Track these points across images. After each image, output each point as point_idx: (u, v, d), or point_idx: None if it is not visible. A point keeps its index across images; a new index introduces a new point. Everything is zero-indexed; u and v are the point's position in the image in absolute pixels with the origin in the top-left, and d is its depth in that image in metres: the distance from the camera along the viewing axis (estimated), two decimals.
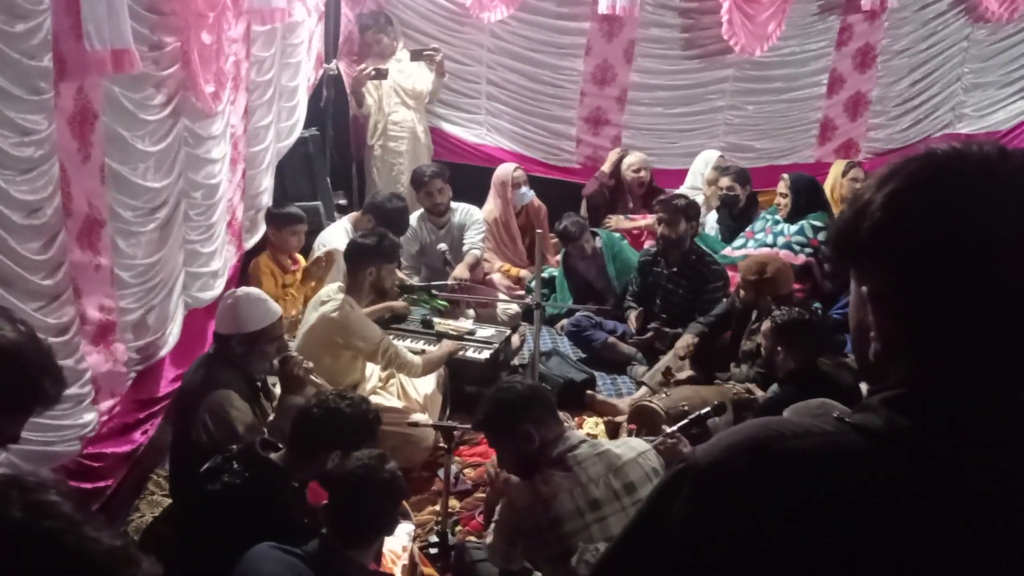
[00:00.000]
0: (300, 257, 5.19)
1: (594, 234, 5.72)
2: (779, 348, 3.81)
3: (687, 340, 4.65)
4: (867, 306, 0.96)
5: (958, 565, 0.84)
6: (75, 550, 0.80)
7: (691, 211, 5.12)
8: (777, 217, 5.61)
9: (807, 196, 5.54)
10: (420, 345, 4.56)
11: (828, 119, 7.15)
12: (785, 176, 5.72)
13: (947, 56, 7.20)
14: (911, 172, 0.92)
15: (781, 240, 5.46)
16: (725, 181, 6.04)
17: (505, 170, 6.09)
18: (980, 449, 0.86)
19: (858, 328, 0.99)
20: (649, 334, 5.09)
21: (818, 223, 5.41)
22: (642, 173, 6.27)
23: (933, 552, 0.84)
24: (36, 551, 0.78)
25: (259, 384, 3.46)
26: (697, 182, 6.38)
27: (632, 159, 6.33)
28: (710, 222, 6.17)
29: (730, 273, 5.23)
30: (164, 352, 3.82)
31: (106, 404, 3.31)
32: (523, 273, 6.03)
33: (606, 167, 6.42)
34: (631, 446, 2.80)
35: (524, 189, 6.05)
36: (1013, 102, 7.42)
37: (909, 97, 7.25)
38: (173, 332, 3.87)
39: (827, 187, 6.22)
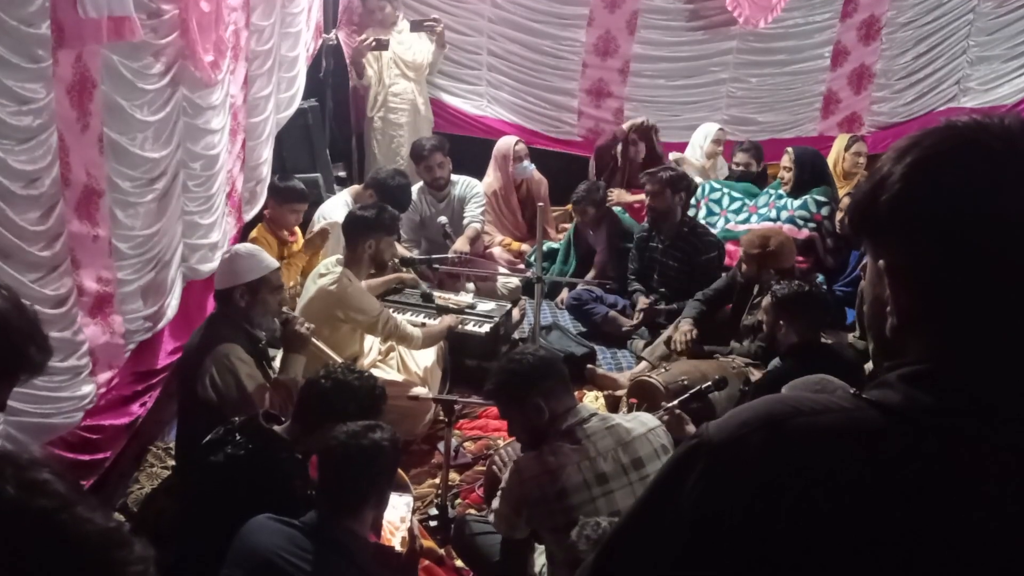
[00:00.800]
0: (298, 230, 5.17)
1: (611, 211, 5.65)
2: (781, 322, 3.80)
3: (685, 331, 4.58)
4: (884, 280, 0.94)
5: (980, 545, 0.82)
6: (69, 530, 0.78)
7: (678, 183, 5.05)
8: (781, 192, 5.57)
9: (811, 171, 5.50)
10: (420, 319, 4.55)
11: (832, 92, 7.10)
12: (789, 150, 5.68)
13: (952, 29, 7.14)
14: (932, 144, 0.90)
15: (784, 215, 5.43)
16: (742, 157, 6.00)
17: (506, 143, 6.05)
18: (1002, 426, 0.84)
19: (874, 303, 0.97)
20: (641, 314, 5.07)
21: (822, 198, 5.38)
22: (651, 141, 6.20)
23: (954, 532, 0.83)
24: (29, 529, 0.77)
25: (261, 346, 3.46)
26: (696, 154, 6.33)
27: (637, 120, 6.25)
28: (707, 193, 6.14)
29: (732, 247, 5.22)
30: (163, 324, 3.81)
31: (104, 376, 3.30)
32: (524, 247, 6.00)
33: (625, 126, 6.29)
34: (641, 421, 2.78)
35: (525, 163, 6.01)
36: (1018, 76, 7.36)
37: (914, 70, 7.19)
38: (172, 304, 3.85)
39: (830, 161, 6.16)
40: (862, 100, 7.19)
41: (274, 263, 3.44)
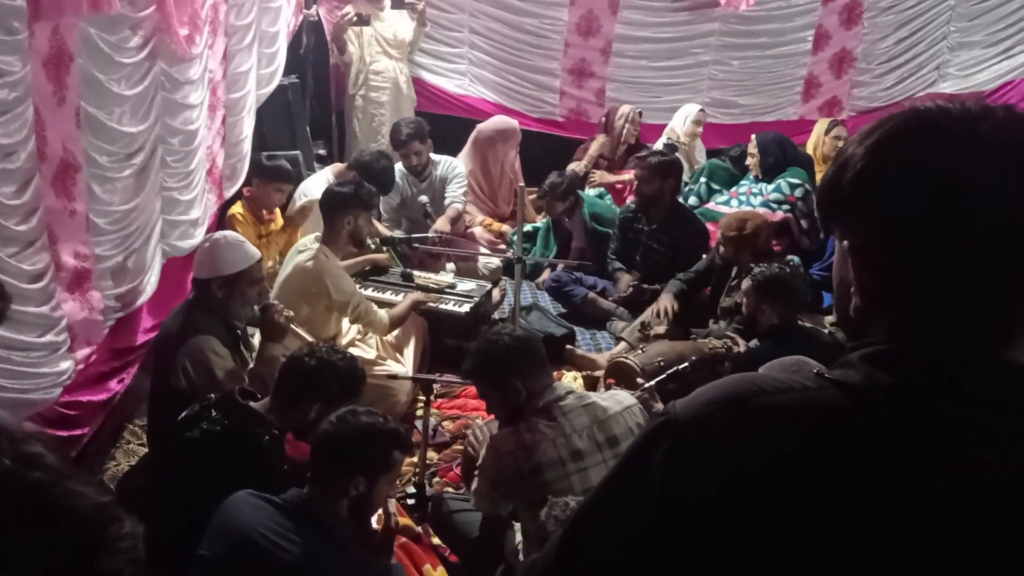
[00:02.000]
0: (277, 211, 5.14)
1: (578, 199, 5.67)
2: (763, 305, 3.84)
3: (666, 304, 4.62)
4: (848, 261, 0.96)
5: (937, 522, 0.84)
6: (62, 503, 0.79)
7: (667, 168, 5.08)
8: (751, 177, 5.64)
9: (774, 153, 5.60)
10: (399, 298, 4.55)
11: (813, 76, 7.12)
12: (753, 137, 5.77)
13: (934, 14, 7.17)
14: (893, 126, 0.92)
15: (759, 199, 5.48)
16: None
17: (502, 128, 6.01)
18: (959, 405, 0.86)
19: (840, 284, 0.99)
20: (628, 291, 5.09)
21: (795, 180, 5.44)
22: (635, 127, 6.22)
23: (912, 508, 0.85)
24: (23, 501, 0.78)
25: (239, 332, 3.45)
26: (673, 136, 6.33)
27: (627, 110, 6.26)
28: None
29: (712, 227, 5.26)
30: (142, 301, 3.79)
31: (82, 352, 3.29)
32: (505, 228, 6.01)
33: (592, 150, 6.27)
34: (618, 399, 2.82)
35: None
36: (998, 62, 7.41)
37: (894, 55, 7.22)
38: (151, 281, 3.83)
39: (810, 146, 6.23)
40: (843, 84, 7.23)
41: (256, 255, 3.39)
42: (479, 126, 6.14)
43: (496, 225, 6.05)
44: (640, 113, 6.28)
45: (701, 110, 6.40)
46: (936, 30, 7.24)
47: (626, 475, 0.99)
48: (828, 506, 0.86)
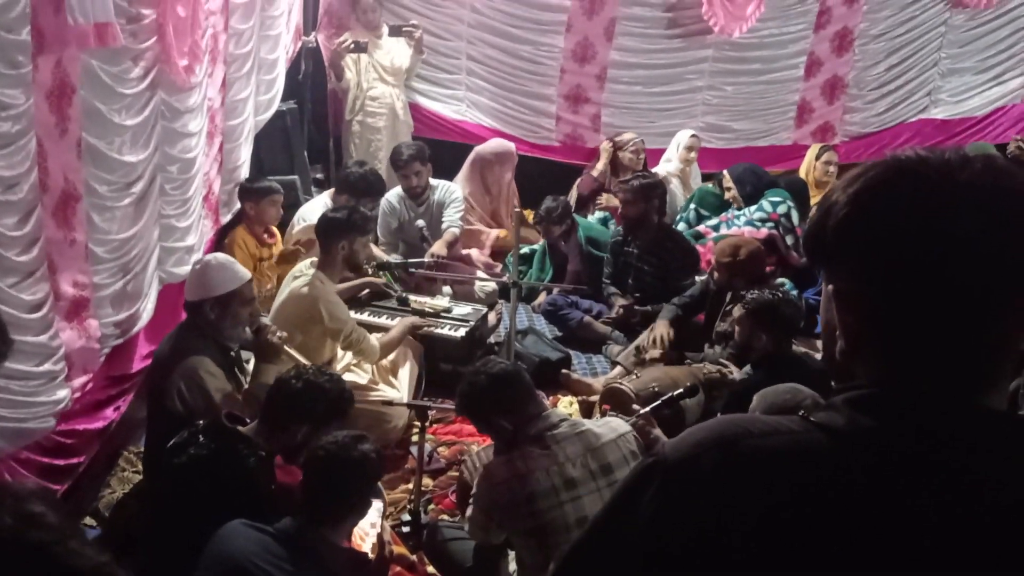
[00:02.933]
0: (276, 231, 5.18)
1: (574, 223, 5.71)
2: (756, 332, 3.86)
3: (662, 332, 4.65)
4: (833, 305, 0.99)
5: (919, 565, 0.87)
6: (62, 562, 0.81)
7: (651, 190, 5.11)
8: (734, 209, 5.78)
9: (749, 181, 5.73)
10: (395, 322, 4.57)
11: (805, 101, 7.19)
12: (725, 172, 5.90)
13: (924, 41, 7.26)
14: (875, 174, 0.95)
15: (743, 219, 5.56)
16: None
17: (500, 150, 6.06)
18: (939, 450, 0.89)
19: (826, 327, 1.02)
20: (619, 311, 5.12)
21: (776, 198, 5.54)
22: (640, 156, 6.29)
23: (892, 551, 0.87)
24: (24, 560, 0.80)
25: (232, 354, 3.47)
26: (672, 164, 6.38)
27: (628, 138, 6.33)
28: (679, 195, 6.24)
29: (702, 249, 5.31)
30: (138, 328, 3.81)
31: (79, 380, 3.30)
32: (503, 234, 6.06)
33: (601, 164, 6.38)
34: (611, 427, 2.84)
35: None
36: (989, 88, 7.50)
37: (886, 81, 7.30)
38: (147, 307, 3.86)
39: (803, 170, 6.30)
40: (835, 110, 7.30)
41: (246, 275, 3.41)
42: (477, 148, 6.19)
43: (503, 233, 6.07)
44: (642, 141, 6.36)
45: (693, 135, 6.45)
46: (927, 56, 7.32)
47: (614, 515, 1.01)
48: (811, 550, 0.88)
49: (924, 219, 0.90)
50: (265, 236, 5.05)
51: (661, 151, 6.63)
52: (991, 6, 7.16)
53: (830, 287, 0.99)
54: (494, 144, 6.22)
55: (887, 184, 0.94)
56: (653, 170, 6.07)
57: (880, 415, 0.92)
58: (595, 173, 6.35)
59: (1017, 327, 0.93)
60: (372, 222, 4.39)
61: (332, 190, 5.37)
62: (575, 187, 6.42)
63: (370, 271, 4.85)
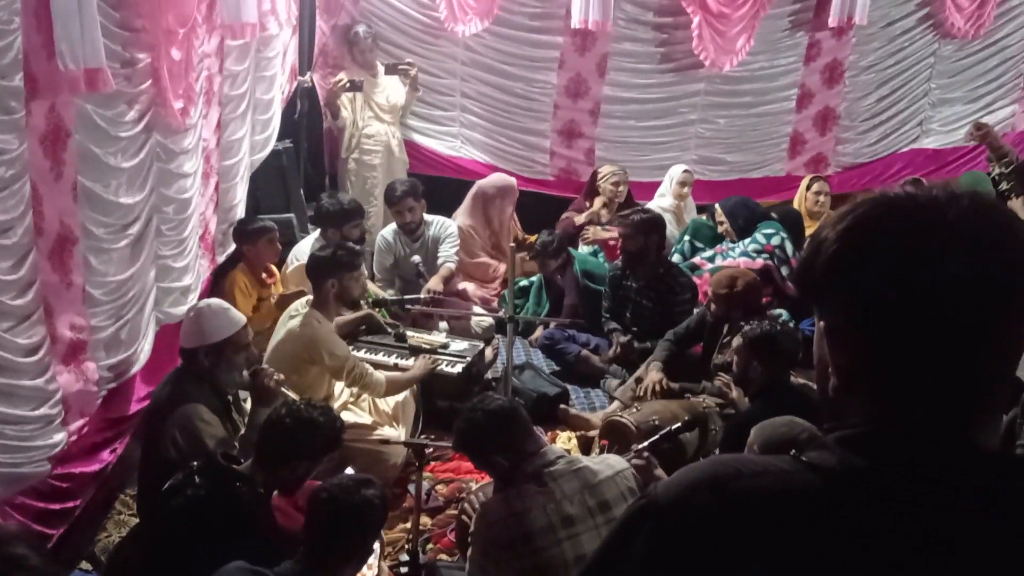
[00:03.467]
0: (275, 269, 5.19)
1: (570, 257, 5.74)
2: (753, 363, 3.85)
3: (654, 380, 4.56)
4: (824, 341, 0.99)
5: None
6: None
7: (651, 225, 5.13)
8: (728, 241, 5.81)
9: (741, 214, 5.74)
10: (392, 359, 4.57)
11: (798, 133, 7.25)
12: (716, 207, 5.91)
13: (914, 72, 7.33)
14: (864, 211, 0.95)
15: (738, 251, 5.57)
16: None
17: (502, 185, 6.10)
18: (930, 489, 0.89)
19: (819, 363, 1.02)
20: (617, 351, 5.11)
21: (769, 230, 5.56)
22: (620, 187, 6.31)
23: None
24: None
25: (230, 398, 3.46)
26: (666, 200, 6.41)
27: (608, 171, 6.38)
28: (673, 231, 6.25)
29: (698, 281, 5.32)
30: (135, 369, 3.80)
31: (76, 424, 3.28)
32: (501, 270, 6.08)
33: (584, 217, 6.35)
34: (608, 464, 2.83)
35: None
36: (979, 117, 7.54)
37: (877, 112, 7.37)
38: (144, 349, 3.85)
39: (796, 201, 6.34)
40: (827, 141, 7.36)
41: (241, 321, 3.41)
42: (479, 182, 6.22)
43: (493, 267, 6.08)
44: (625, 172, 6.39)
45: (686, 171, 6.47)
46: (917, 87, 7.39)
47: (609, 556, 1.01)
48: None
49: (912, 256, 0.90)
50: (264, 276, 5.06)
51: (655, 184, 6.66)
52: (978, 36, 7.24)
53: (821, 323, 1.00)
54: (496, 179, 6.26)
55: (876, 221, 0.94)
56: (647, 205, 6.10)
57: (871, 455, 0.92)
58: (578, 221, 6.32)
59: (1008, 363, 0.93)
60: (359, 257, 4.39)
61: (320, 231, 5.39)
62: (558, 226, 6.41)
63: (366, 307, 4.86)
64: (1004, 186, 5.55)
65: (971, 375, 0.91)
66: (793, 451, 0.97)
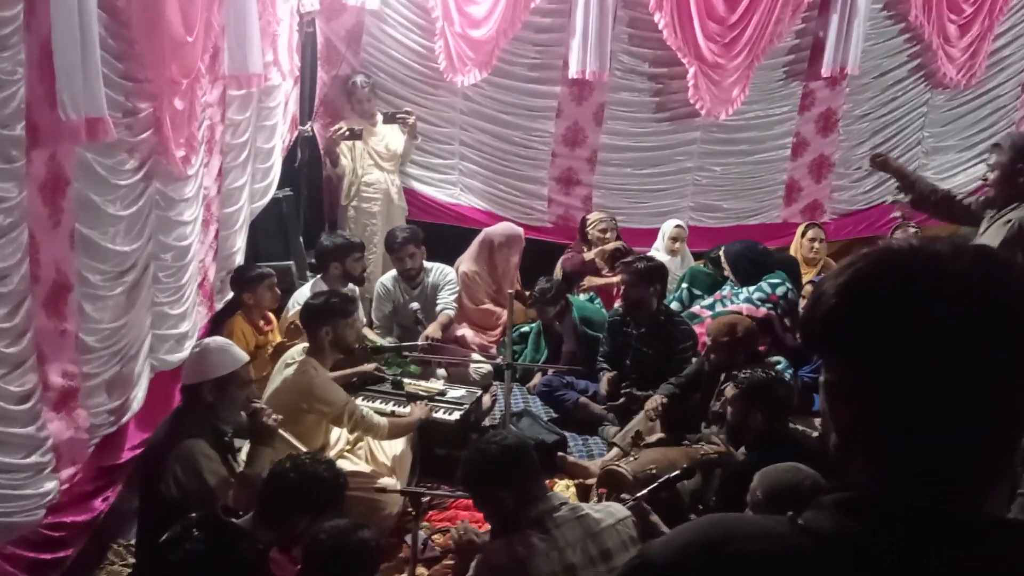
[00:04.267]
0: (272, 317, 5.19)
1: (568, 304, 5.75)
2: (751, 411, 3.83)
3: (656, 400, 4.66)
4: (825, 397, 0.98)
5: None
6: None
7: (653, 274, 5.16)
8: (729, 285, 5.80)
9: (744, 263, 5.71)
10: (390, 407, 4.55)
11: (793, 180, 7.31)
12: (720, 253, 5.90)
13: (907, 120, 7.42)
14: (864, 265, 0.93)
15: (742, 296, 5.57)
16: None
17: (510, 234, 6.14)
18: (927, 560, 0.86)
19: (824, 418, 1.00)
20: (621, 400, 5.10)
21: (776, 280, 5.55)
22: (607, 235, 6.35)
23: None
24: None
25: (227, 439, 3.46)
26: (660, 253, 6.42)
27: (595, 217, 6.42)
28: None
29: (699, 330, 5.31)
30: (128, 417, 3.77)
31: (67, 472, 3.25)
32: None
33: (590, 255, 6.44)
34: (610, 511, 2.81)
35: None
36: (973, 165, 7.61)
37: None
38: (138, 396, 3.82)
39: (792, 249, 6.37)
40: (823, 188, 7.41)
41: (244, 357, 3.47)
42: (487, 230, 6.25)
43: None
44: (614, 218, 6.42)
45: (677, 226, 6.50)
46: (910, 136, 7.47)
47: None
48: None
49: (911, 314, 0.88)
50: (262, 323, 5.07)
51: (652, 231, 6.71)
52: (970, 86, 7.35)
53: (822, 378, 0.98)
54: (504, 227, 6.29)
55: (875, 277, 0.92)
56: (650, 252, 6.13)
57: (868, 520, 0.89)
58: (587, 256, 6.38)
59: (1018, 427, 0.90)
60: (353, 303, 4.41)
61: (319, 276, 5.41)
62: (560, 265, 6.45)
63: (362, 350, 4.85)
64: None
65: (975, 439, 0.89)
66: (791, 512, 0.94)
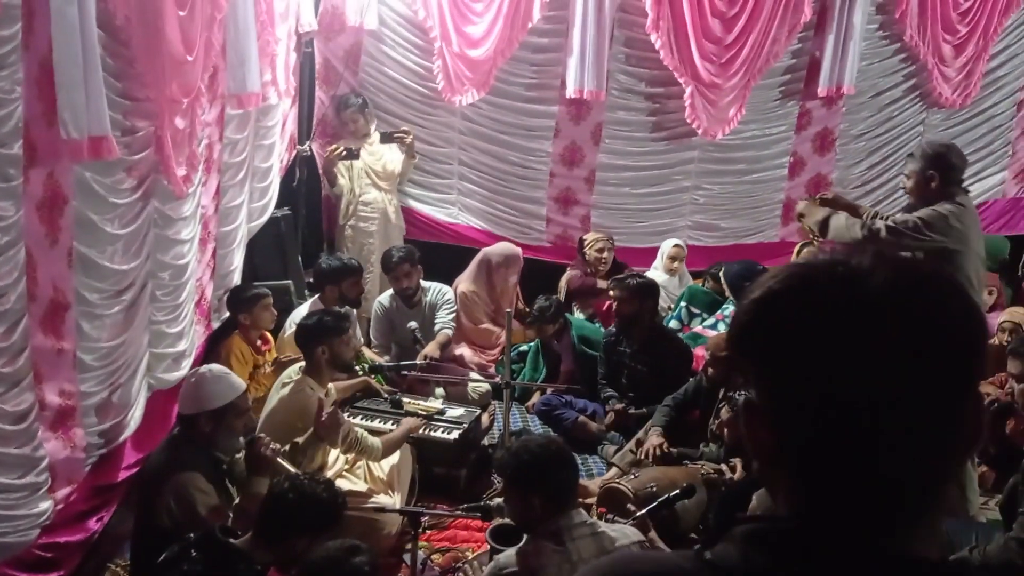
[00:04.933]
0: (270, 336, 5.18)
1: (567, 322, 5.75)
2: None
3: (655, 444, 4.55)
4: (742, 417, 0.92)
5: None
6: None
7: (645, 290, 5.17)
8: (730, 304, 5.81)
9: (743, 281, 5.71)
10: (388, 425, 4.52)
11: (791, 200, 7.30)
12: (720, 274, 5.93)
13: (904, 140, 7.43)
14: (775, 283, 0.87)
15: None
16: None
17: (509, 254, 6.13)
18: None
19: (744, 442, 0.95)
20: (611, 419, 5.09)
21: None
22: (604, 254, 6.35)
23: None
24: None
25: (224, 467, 3.43)
26: (659, 274, 6.42)
27: (592, 238, 6.43)
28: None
29: (700, 351, 5.30)
30: (125, 436, 3.75)
31: (62, 492, 3.23)
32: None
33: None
34: (626, 533, 2.86)
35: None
36: (971, 185, 7.57)
37: (868, 179, 7.44)
38: (135, 415, 3.81)
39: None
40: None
41: (241, 386, 3.45)
42: (485, 250, 6.24)
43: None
44: (611, 238, 6.43)
45: (676, 245, 6.53)
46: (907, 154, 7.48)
47: None
48: None
49: (824, 331, 0.81)
50: (260, 343, 5.06)
51: (650, 249, 6.71)
52: (966, 105, 7.37)
53: (743, 397, 0.94)
54: (502, 247, 6.29)
55: (786, 294, 0.86)
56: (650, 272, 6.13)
57: (776, 554, 0.83)
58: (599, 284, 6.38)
59: (942, 457, 0.83)
60: (347, 321, 4.40)
61: (315, 296, 5.41)
62: (564, 282, 6.45)
63: (361, 372, 4.84)
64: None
65: (894, 470, 0.81)
66: (697, 546, 0.90)
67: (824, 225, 4.39)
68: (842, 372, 0.80)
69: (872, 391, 0.80)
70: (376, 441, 4.02)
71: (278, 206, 5.95)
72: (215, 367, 3.60)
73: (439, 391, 5.26)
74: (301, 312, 5.19)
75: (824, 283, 0.84)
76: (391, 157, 6.41)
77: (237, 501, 3.31)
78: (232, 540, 2.81)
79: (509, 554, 2.72)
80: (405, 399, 4.83)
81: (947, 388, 0.81)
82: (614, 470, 4.62)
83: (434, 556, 3.99)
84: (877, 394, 0.80)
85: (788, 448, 0.86)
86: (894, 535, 0.83)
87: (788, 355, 0.84)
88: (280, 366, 4.81)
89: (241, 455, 3.45)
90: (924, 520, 0.84)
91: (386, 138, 6.32)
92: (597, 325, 6.07)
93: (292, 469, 3.55)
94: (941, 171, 4.13)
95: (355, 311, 5.39)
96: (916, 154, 4.33)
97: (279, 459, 3.41)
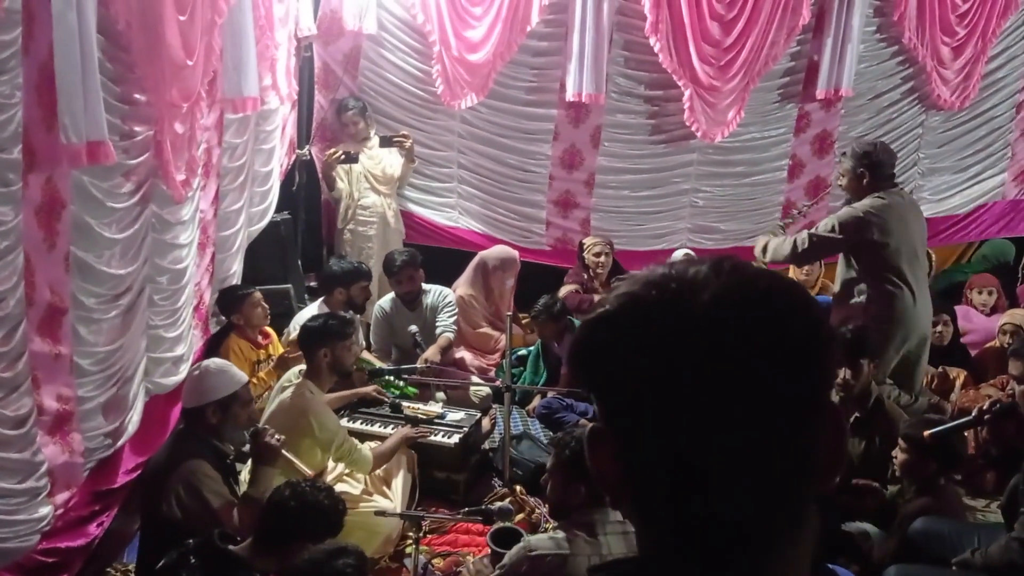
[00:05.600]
0: (270, 330, 5.18)
1: (568, 324, 5.74)
2: None
3: None
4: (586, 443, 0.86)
5: None
6: None
7: None
8: None
9: None
10: (388, 430, 4.52)
11: (790, 202, 7.31)
12: None
13: (903, 142, 7.42)
14: (608, 301, 0.81)
15: None
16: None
17: (505, 257, 6.13)
18: None
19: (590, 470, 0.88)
20: None
21: None
22: (602, 258, 6.35)
23: None
24: None
25: (229, 461, 3.50)
26: None
27: (591, 241, 6.43)
28: None
29: None
30: (123, 441, 3.74)
31: (62, 497, 3.22)
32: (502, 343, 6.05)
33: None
34: None
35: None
36: (969, 187, 7.64)
37: None
38: (133, 420, 3.80)
39: (790, 270, 6.37)
40: (820, 210, 7.38)
41: (244, 377, 3.51)
42: (482, 253, 6.24)
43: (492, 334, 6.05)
44: (609, 242, 6.43)
45: (687, 254, 6.53)
46: (906, 157, 7.47)
47: None
48: None
49: (644, 354, 0.75)
50: (259, 338, 5.06)
51: (650, 252, 6.70)
52: (964, 108, 7.37)
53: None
54: (498, 250, 6.29)
55: (614, 315, 0.79)
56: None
57: None
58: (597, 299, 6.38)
59: (778, 491, 0.75)
60: (351, 325, 4.39)
61: (322, 298, 5.40)
62: (561, 296, 6.43)
63: (359, 373, 4.83)
64: None
65: (728, 510, 0.74)
66: None
67: (764, 249, 4.60)
68: (663, 400, 0.74)
69: (695, 421, 0.73)
70: (368, 453, 4.01)
71: (278, 210, 5.95)
72: (217, 360, 3.69)
73: (439, 395, 5.26)
74: (306, 314, 5.19)
75: (652, 301, 0.77)
76: (390, 161, 6.41)
77: (244, 491, 3.35)
78: (231, 547, 2.80)
79: (541, 537, 2.76)
80: (405, 403, 4.83)
81: (784, 413, 0.73)
82: None
83: (435, 560, 3.99)
84: (701, 423, 0.73)
85: (629, 482, 0.78)
86: (751, 567, 0.75)
87: (615, 380, 0.77)
88: (283, 363, 4.82)
89: (246, 448, 3.48)
90: (782, 548, 0.76)
91: (385, 142, 6.32)
92: None
93: (296, 461, 3.56)
94: (870, 168, 4.41)
95: (359, 317, 5.38)
96: (848, 153, 4.57)
97: (284, 450, 3.44)
